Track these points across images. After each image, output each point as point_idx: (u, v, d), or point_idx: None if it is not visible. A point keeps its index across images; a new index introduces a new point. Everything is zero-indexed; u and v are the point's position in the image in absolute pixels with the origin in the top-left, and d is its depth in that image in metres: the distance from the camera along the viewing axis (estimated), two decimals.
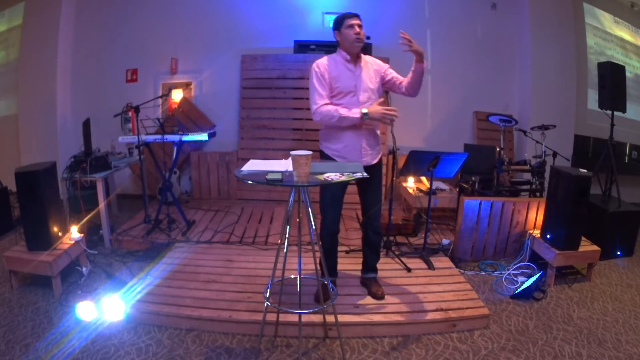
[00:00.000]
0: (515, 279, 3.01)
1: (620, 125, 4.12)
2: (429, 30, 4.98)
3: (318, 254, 2.11)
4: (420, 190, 4.01)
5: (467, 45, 5.01)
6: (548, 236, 3.06)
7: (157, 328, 2.37)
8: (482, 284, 3.01)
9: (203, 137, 3.82)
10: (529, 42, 4.86)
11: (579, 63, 5.00)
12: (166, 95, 4.44)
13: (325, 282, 2.19)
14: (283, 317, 2.29)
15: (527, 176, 4.26)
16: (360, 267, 2.77)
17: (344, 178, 1.86)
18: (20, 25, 4.81)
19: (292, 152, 1.76)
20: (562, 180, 2.95)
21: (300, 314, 2.13)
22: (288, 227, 1.98)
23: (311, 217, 1.98)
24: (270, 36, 4.89)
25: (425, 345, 2.28)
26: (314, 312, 2.32)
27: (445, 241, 3.50)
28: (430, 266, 3.06)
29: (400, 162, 3.32)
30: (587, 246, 3.05)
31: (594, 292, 2.94)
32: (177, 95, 4.92)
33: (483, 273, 3.17)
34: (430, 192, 3.30)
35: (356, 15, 2.33)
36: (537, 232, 3.23)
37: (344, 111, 2.30)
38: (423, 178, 4.34)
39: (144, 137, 3.59)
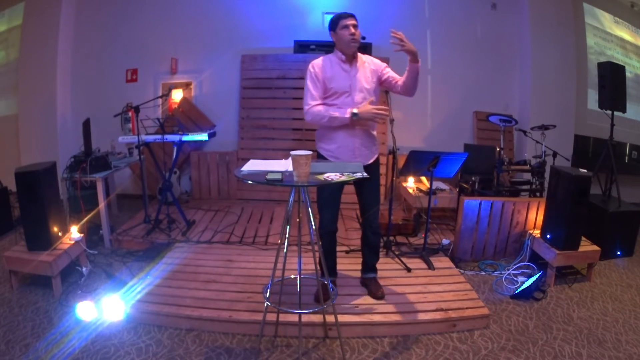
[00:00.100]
0: (515, 279, 3.01)
1: (620, 125, 4.12)
2: (429, 30, 4.98)
3: (318, 254, 2.11)
4: (420, 190, 4.01)
5: (467, 45, 5.01)
6: (548, 236, 3.06)
7: (157, 328, 2.37)
8: (482, 284, 3.01)
9: (203, 137, 3.82)
10: (529, 42, 4.86)
11: (579, 63, 5.00)
12: (166, 95, 4.44)
13: (325, 282, 2.19)
14: (283, 317, 2.29)
15: (527, 176, 4.26)
16: (360, 267, 2.77)
17: (344, 178, 1.86)
18: (20, 25, 4.81)
19: (292, 152, 1.76)
20: (562, 180, 2.95)
21: (300, 314, 2.13)
22: (288, 227, 1.98)
23: (311, 217, 1.98)
24: (270, 36, 4.89)
25: (425, 345, 2.28)
26: (314, 312, 2.32)
27: (445, 241, 3.50)
28: (430, 266, 3.06)
29: (400, 162, 3.32)
30: (587, 246, 3.05)
31: (594, 292, 2.94)
32: (177, 95, 4.92)
33: (483, 273, 3.17)
34: (430, 192, 3.31)
35: (351, 16, 2.32)
36: (537, 232, 3.23)
37: (334, 112, 2.31)
38: (423, 178, 4.34)
39: (144, 137, 3.59)
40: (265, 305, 2.04)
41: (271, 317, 2.30)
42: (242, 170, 1.97)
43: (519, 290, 2.80)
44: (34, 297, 2.70)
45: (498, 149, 4.01)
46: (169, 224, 3.76)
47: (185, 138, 3.69)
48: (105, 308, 2.40)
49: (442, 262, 3.17)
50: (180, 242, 3.49)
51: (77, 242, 2.92)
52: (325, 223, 2.44)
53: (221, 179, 4.84)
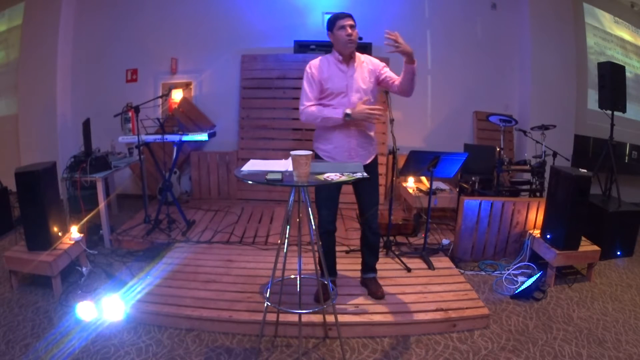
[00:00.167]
0: (515, 279, 3.01)
1: (620, 125, 4.12)
2: (429, 30, 4.98)
3: (318, 254, 2.11)
4: (420, 190, 4.01)
5: (467, 45, 5.01)
6: (548, 236, 3.06)
7: (157, 328, 2.37)
8: (482, 284, 3.01)
9: (203, 137, 3.82)
10: (529, 42, 4.86)
11: (579, 63, 5.00)
12: (166, 95, 4.44)
13: (325, 282, 2.19)
14: (283, 317, 2.29)
15: (527, 176, 4.26)
16: (360, 267, 2.77)
17: (344, 178, 1.86)
18: (20, 25, 4.82)
19: (292, 152, 1.76)
20: (562, 180, 2.95)
21: (300, 314, 2.14)
22: (288, 227, 1.98)
23: (311, 217, 1.98)
24: (270, 36, 4.89)
25: (425, 345, 2.28)
26: (314, 312, 2.33)
27: (445, 241, 3.50)
28: (430, 266, 3.06)
29: (400, 162, 3.31)
30: (587, 246, 3.05)
31: (594, 292, 2.94)
32: (177, 95, 4.92)
33: (483, 273, 3.17)
34: (430, 192, 3.31)
35: (348, 16, 2.31)
36: (537, 232, 3.23)
37: (327, 112, 2.32)
38: (423, 178, 4.35)
39: (144, 137, 3.59)
40: (265, 305, 2.03)
41: (271, 317, 2.30)
42: (242, 170, 1.97)
43: (519, 290, 2.80)
44: (34, 297, 2.70)
45: (498, 149, 4.01)
46: (169, 224, 3.76)
47: (185, 138, 3.69)
48: (105, 308, 2.40)
49: (442, 262, 3.17)
50: (180, 242, 3.49)
51: (77, 242, 2.92)
52: (324, 222, 2.44)
53: (221, 179, 4.84)
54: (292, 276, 2.50)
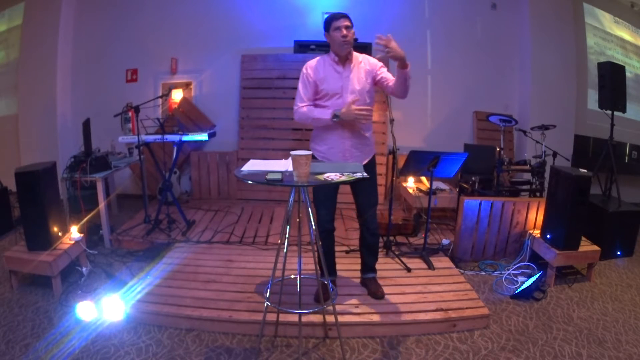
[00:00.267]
0: (515, 279, 3.01)
1: (620, 125, 4.12)
2: (429, 30, 4.98)
3: (317, 254, 2.11)
4: (420, 190, 4.01)
5: (467, 45, 5.01)
6: (548, 236, 3.06)
7: (157, 328, 2.37)
8: (482, 284, 3.01)
9: (203, 137, 3.82)
10: (529, 42, 4.86)
11: (579, 63, 5.00)
12: (166, 95, 4.44)
13: (325, 282, 2.19)
14: (283, 317, 2.29)
15: (527, 176, 4.26)
16: (359, 267, 2.77)
17: (344, 178, 1.86)
18: (20, 25, 4.81)
19: (292, 152, 1.76)
20: (562, 180, 2.95)
21: (300, 314, 2.14)
22: (288, 227, 1.98)
23: (311, 217, 1.98)
24: (270, 36, 4.89)
25: (425, 345, 2.28)
26: (314, 312, 2.33)
27: (445, 241, 3.50)
28: (430, 266, 3.06)
29: (400, 162, 3.32)
30: (587, 246, 3.05)
31: (594, 292, 2.94)
32: (177, 95, 4.92)
33: (483, 273, 3.17)
34: (430, 192, 3.31)
35: (344, 17, 2.30)
36: (537, 232, 3.23)
37: (316, 113, 2.33)
38: (423, 178, 4.34)
39: (144, 137, 3.59)
40: (265, 305, 2.03)
41: (271, 317, 2.30)
42: (242, 170, 1.97)
43: (519, 290, 2.80)
44: (34, 297, 2.70)
45: (498, 149, 4.01)
46: (169, 224, 3.76)
47: (185, 138, 3.69)
48: (105, 308, 2.40)
49: (442, 262, 3.17)
50: (180, 242, 3.49)
51: (77, 242, 2.92)
52: (322, 222, 2.44)
53: (221, 179, 4.84)
54: (292, 276, 2.50)
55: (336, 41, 2.30)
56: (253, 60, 4.80)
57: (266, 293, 2.04)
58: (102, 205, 3.45)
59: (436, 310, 2.47)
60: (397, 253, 3.25)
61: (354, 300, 2.56)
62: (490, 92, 5.08)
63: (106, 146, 4.04)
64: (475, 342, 2.32)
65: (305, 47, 4.72)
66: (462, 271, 3.10)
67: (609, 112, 3.87)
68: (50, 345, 2.21)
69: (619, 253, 3.55)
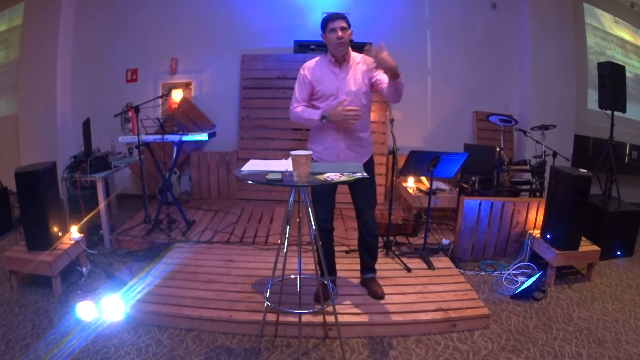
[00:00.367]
0: (515, 279, 3.01)
1: (620, 125, 4.12)
2: (429, 30, 4.98)
3: (317, 254, 2.11)
4: (420, 190, 4.01)
5: (467, 45, 5.01)
6: (548, 236, 3.06)
7: (157, 328, 2.37)
8: (482, 284, 3.01)
9: (203, 137, 3.82)
10: (529, 42, 4.86)
11: (579, 63, 5.00)
12: (166, 95, 4.44)
13: (325, 282, 2.19)
14: (283, 317, 2.30)
15: (527, 176, 4.26)
16: (359, 267, 2.77)
17: (344, 178, 1.86)
18: (20, 25, 4.81)
19: (292, 152, 1.76)
20: (562, 180, 2.95)
21: (300, 314, 2.14)
22: (288, 227, 1.98)
23: (311, 217, 1.98)
24: (270, 36, 4.89)
25: (425, 345, 2.28)
26: (314, 312, 2.33)
27: (445, 241, 3.50)
28: (430, 266, 3.06)
29: (400, 162, 3.32)
30: (587, 246, 3.05)
31: (594, 292, 2.94)
32: (177, 95, 4.92)
33: (483, 273, 3.17)
34: (430, 192, 3.30)
35: (340, 18, 2.29)
36: (537, 232, 3.23)
37: (307, 114, 2.35)
38: (423, 178, 4.35)
39: (144, 137, 3.59)
40: (265, 305, 2.04)
41: (271, 317, 2.30)
42: (242, 170, 1.97)
43: (519, 290, 2.80)
44: (34, 297, 2.70)
45: (498, 149, 4.01)
46: (169, 224, 3.76)
47: (185, 138, 3.69)
48: (105, 308, 2.40)
49: (442, 262, 3.17)
50: (180, 242, 3.49)
51: (77, 242, 2.92)
52: (320, 221, 2.44)
53: (221, 179, 4.84)
54: (292, 276, 2.50)
55: (331, 42, 2.30)
56: (253, 60, 4.80)
57: (266, 293, 2.04)
58: (102, 205, 3.45)
59: (436, 310, 2.47)
60: (397, 253, 3.25)
61: (354, 300, 2.56)
62: (490, 92, 5.08)
63: (106, 146, 4.04)
64: (475, 342, 2.32)
65: (305, 47, 4.72)
66: (462, 271, 3.10)
67: (609, 112, 3.87)
68: (50, 345, 2.21)
69: (619, 253, 3.55)
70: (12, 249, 2.85)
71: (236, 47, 4.87)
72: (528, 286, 2.78)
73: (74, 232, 2.98)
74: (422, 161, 3.08)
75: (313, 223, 2.00)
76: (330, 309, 2.20)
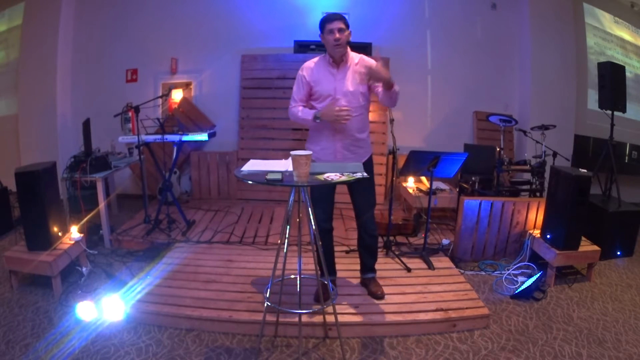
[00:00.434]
0: (515, 279, 3.01)
1: (620, 125, 4.12)
2: (429, 30, 4.98)
3: (317, 254, 2.11)
4: (420, 190, 4.01)
5: (467, 45, 5.01)
6: (548, 236, 3.06)
7: (157, 328, 2.37)
8: (482, 284, 3.01)
9: (203, 137, 3.82)
10: (529, 42, 4.86)
11: (579, 63, 5.00)
12: (166, 95, 4.44)
13: (325, 282, 2.19)
14: (283, 317, 2.30)
15: (527, 176, 4.26)
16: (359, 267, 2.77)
17: (344, 178, 1.86)
18: (20, 25, 4.81)
19: (292, 152, 1.76)
20: (562, 180, 2.95)
21: (300, 314, 2.14)
22: (288, 227, 1.98)
23: (311, 217, 1.98)
24: (270, 36, 4.89)
25: (425, 345, 2.28)
26: (314, 312, 2.32)
27: (445, 241, 3.50)
28: (430, 266, 3.06)
29: (400, 162, 3.32)
30: (587, 246, 3.05)
31: (594, 292, 2.94)
32: (177, 95, 4.92)
33: (483, 273, 3.17)
34: (430, 192, 3.30)
35: (338, 19, 2.28)
36: (537, 232, 3.23)
37: (301, 114, 2.37)
38: (423, 178, 4.35)
39: (144, 137, 3.59)
40: (265, 305, 2.04)
41: (271, 317, 2.30)
42: (242, 170, 1.97)
43: (519, 290, 2.80)
44: (34, 297, 2.70)
45: (498, 149, 4.01)
46: (169, 224, 3.76)
47: (185, 138, 3.69)
48: (105, 308, 2.40)
49: (442, 262, 3.17)
50: (180, 242, 3.49)
51: (77, 242, 2.92)
52: (319, 221, 2.43)
53: (221, 179, 4.84)
54: (292, 276, 2.50)
55: (329, 44, 2.31)
56: (253, 60, 4.80)
57: (266, 293, 2.04)
58: (102, 205, 3.45)
59: (436, 310, 2.47)
60: (397, 253, 3.25)
61: (354, 300, 2.56)
62: (490, 92, 5.08)
63: (106, 146, 4.04)
64: (475, 342, 2.32)
65: (305, 47, 4.73)
66: (462, 271, 3.10)
67: (609, 112, 3.87)
68: (50, 345, 2.21)
69: (619, 253, 3.55)
70: (12, 249, 2.85)
71: (236, 47, 4.87)
72: (528, 286, 2.78)
73: (74, 232, 2.98)
74: (422, 161, 3.07)
75: (313, 223, 2.00)
76: (330, 309, 2.20)
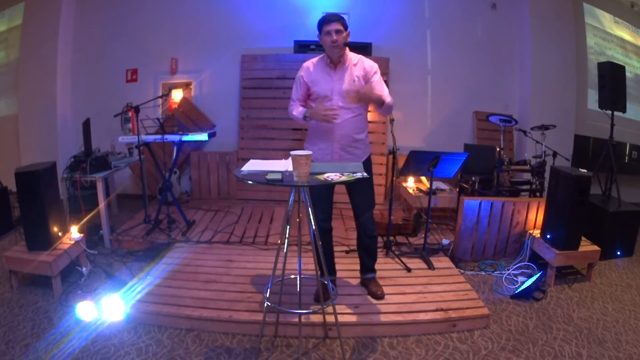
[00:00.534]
0: (515, 279, 3.01)
1: (620, 125, 4.12)
2: (429, 30, 4.98)
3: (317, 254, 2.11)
4: (420, 190, 4.01)
5: (467, 45, 5.01)
6: (548, 236, 3.06)
7: (157, 328, 2.37)
8: (482, 284, 3.01)
9: (203, 137, 3.82)
10: (529, 42, 4.86)
11: (579, 63, 5.00)
12: (166, 95, 4.44)
13: (325, 282, 2.19)
14: (283, 317, 2.30)
15: (527, 176, 4.26)
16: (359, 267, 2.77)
17: (344, 178, 1.86)
18: (20, 25, 4.81)
19: (292, 152, 1.76)
20: (562, 180, 2.95)
21: (300, 314, 2.14)
22: (288, 227, 1.98)
23: (311, 217, 1.98)
24: (270, 36, 4.89)
25: (425, 345, 2.28)
26: (314, 313, 2.32)
27: (445, 241, 3.50)
28: (430, 266, 3.06)
29: (400, 162, 3.32)
30: (587, 246, 3.05)
31: (594, 292, 2.94)
32: (177, 95, 4.92)
33: (483, 273, 3.17)
34: (430, 192, 3.30)
35: (335, 21, 2.28)
36: (537, 232, 3.23)
37: (295, 112, 2.40)
38: (423, 178, 4.35)
39: (144, 137, 3.59)
40: (265, 305, 2.04)
41: (271, 317, 2.30)
42: (242, 170, 1.97)
43: (519, 290, 2.80)
44: (34, 297, 2.70)
45: (498, 149, 4.01)
46: (169, 224, 3.76)
47: (185, 138, 3.69)
48: (105, 308, 2.40)
49: (442, 262, 3.17)
50: (180, 242, 3.49)
51: (77, 242, 2.92)
52: (318, 221, 2.43)
53: (221, 179, 4.84)
54: (292, 276, 2.50)
55: (326, 45, 2.33)
56: (253, 60, 4.80)
57: (266, 293, 2.04)
58: (102, 205, 3.45)
59: (436, 310, 2.47)
60: (397, 253, 3.25)
61: (354, 300, 2.56)
62: (490, 92, 5.08)
63: (106, 146, 4.04)
64: (475, 342, 2.32)
65: (305, 47, 4.73)
66: (462, 271, 3.10)
67: (609, 112, 3.87)
68: (50, 345, 2.21)
69: (619, 253, 3.55)
70: (12, 249, 2.85)
71: (236, 47, 4.87)
72: (528, 286, 2.78)
73: (74, 232, 2.98)
74: (422, 161, 3.07)
75: (313, 223, 2.00)
76: (330, 309, 2.20)
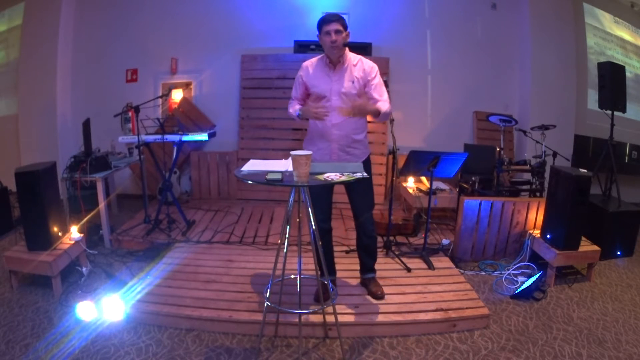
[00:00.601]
0: (515, 279, 3.01)
1: (620, 125, 4.12)
2: (429, 30, 4.98)
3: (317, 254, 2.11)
4: (420, 190, 4.01)
5: (467, 45, 5.01)
6: (548, 236, 3.06)
7: (157, 328, 2.37)
8: (482, 284, 3.01)
9: (203, 137, 3.82)
10: (529, 42, 4.86)
11: (579, 63, 5.00)
12: (166, 95, 4.44)
13: (325, 282, 2.19)
14: (283, 317, 2.30)
15: (527, 176, 4.26)
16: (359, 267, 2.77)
17: (344, 178, 1.86)
18: (20, 25, 4.81)
19: (292, 152, 1.76)
20: (562, 180, 2.95)
21: (300, 314, 2.14)
22: (288, 227, 1.98)
23: (311, 217, 1.98)
24: (270, 36, 4.89)
25: (425, 345, 2.28)
26: (314, 313, 2.32)
27: (445, 241, 3.50)
28: (430, 266, 3.06)
29: (400, 162, 3.32)
30: (587, 246, 3.05)
31: (594, 292, 2.94)
32: (177, 95, 4.92)
33: (483, 273, 3.17)
34: (430, 192, 3.30)
35: (335, 21, 2.28)
36: (537, 232, 3.23)
37: (291, 110, 2.44)
38: (423, 178, 4.35)
39: (144, 137, 3.59)
40: (265, 305, 2.04)
41: (271, 317, 2.30)
42: (242, 170, 1.97)
43: (519, 290, 2.80)
44: (34, 297, 2.70)
45: (498, 149, 4.01)
46: (169, 224, 3.76)
47: (185, 138, 3.69)
48: (105, 308, 2.40)
49: (442, 262, 3.17)
50: (180, 242, 3.49)
51: (77, 242, 2.92)
52: (317, 221, 2.43)
53: (221, 179, 4.84)
54: (292, 276, 2.50)
55: (325, 45, 2.33)
56: (253, 60, 4.80)
57: (266, 293, 2.04)
58: (102, 205, 3.45)
59: (436, 310, 2.47)
60: (397, 253, 3.25)
61: (354, 300, 2.56)
62: (490, 92, 5.08)
63: (106, 146, 4.04)
64: (475, 342, 2.32)
65: (305, 47, 4.73)
66: (462, 271, 3.10)
67: (609, 112, 3.87)
68: (50, 345, 2.21)
69: (619, 253, 3.55)
70: (12, 249, 2.85)
71: (236, 47, 4.87)
72: (528, 286, 2.78)
73: (74, 232, 2.98)
74: (422, 161, 3.08)
75: (313, 223, 2.00)
76: (330, 309, 2.20)
